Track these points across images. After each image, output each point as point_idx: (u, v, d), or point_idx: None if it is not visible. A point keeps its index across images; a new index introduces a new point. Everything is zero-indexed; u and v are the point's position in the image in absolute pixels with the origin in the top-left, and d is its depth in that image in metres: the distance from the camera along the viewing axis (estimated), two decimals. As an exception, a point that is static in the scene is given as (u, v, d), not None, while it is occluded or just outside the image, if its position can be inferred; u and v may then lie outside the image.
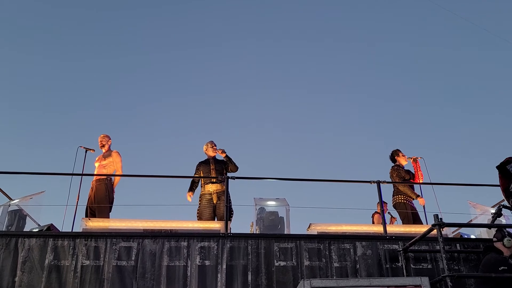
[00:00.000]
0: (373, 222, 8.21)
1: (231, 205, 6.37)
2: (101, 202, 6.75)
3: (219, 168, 7.04)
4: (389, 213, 8.03)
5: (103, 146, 7.27)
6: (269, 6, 22.09)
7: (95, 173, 7.07)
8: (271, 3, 22.12)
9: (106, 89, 22.05)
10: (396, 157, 7.64)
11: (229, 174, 6.90)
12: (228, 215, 5.91)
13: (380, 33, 22.12)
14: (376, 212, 8.19)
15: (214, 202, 6.73)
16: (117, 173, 7.08)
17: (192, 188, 7.08)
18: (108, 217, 6.62)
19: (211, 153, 7.20)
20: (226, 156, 7.05)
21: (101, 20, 21.74)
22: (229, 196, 6.30)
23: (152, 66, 22.18)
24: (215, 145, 7.24)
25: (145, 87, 21.64)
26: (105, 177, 6.92)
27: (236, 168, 7.02)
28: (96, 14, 21.33)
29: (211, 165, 7.08)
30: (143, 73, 21.97)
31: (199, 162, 7.21)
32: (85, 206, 6.79)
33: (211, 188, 6.82)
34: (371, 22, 21.99)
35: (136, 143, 20.51)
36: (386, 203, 7.96)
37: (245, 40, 22.61)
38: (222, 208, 6.56)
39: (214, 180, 6.87)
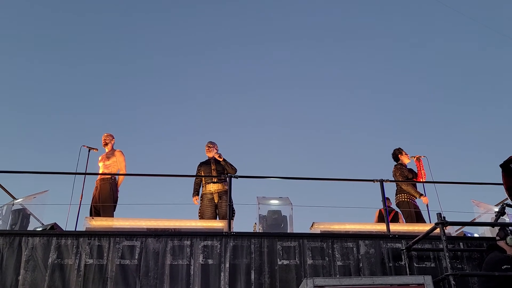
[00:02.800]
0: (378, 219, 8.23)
1: (232, 204, 6.36)
2: (106, 201, 6.76)
3: (220, 169, 7.05)
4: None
5: (106, 144, 7.28)
6: (271, 6, 22.10)
7: (99, 172, 7.09)
8: (274, 2, 22.13)
9: (110, 91, 22.13)
10: (399, 155, 7.63)
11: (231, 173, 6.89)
12: (230, 214, 5.91)
13: (383, 29, 22.10)
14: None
15: (216, 201, 6.74)
16: (120, 173, 7.09)
17: (196, 191, 7.09)
18: (112, 216, 6.63)
19: (210, 153, 7.21)
20: (224, 160, 7.04)
21: (103, 24, 21.80)
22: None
23: (156, 68, 22.24)
24: (212, 146, 7.25)
25: (148, 89, 21.69)
26: (109, 176, 6.93)
27: (234, 171, 6.98)
28: (98, 19, 21.39)
29: (212, 165, 7.10)
30: (146, 75, 22.03)
31: (200, 163, 7.23)
32: (90, 206, 6.81)
33: (213, 187, 6.84)
34: (374, 19, 21.96)
35: (140, 143, 20.57)
36: (389, 198, 7.98)
37: (246, 40, 22.63)
38: (224, 207, 6.57)
39: (215, 180, 6.89)
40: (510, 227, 4.92)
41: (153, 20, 21.90)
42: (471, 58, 21.63)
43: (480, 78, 21.42)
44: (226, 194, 6.62)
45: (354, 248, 5.41)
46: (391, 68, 22.41)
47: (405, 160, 7.58)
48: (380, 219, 7.96)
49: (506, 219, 5.98)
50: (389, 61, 22.25)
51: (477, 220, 6.74)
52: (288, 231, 5.90)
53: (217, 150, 7.29)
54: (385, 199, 6.11)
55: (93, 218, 6.14)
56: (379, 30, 21.98)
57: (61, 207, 6.26)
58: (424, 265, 5.39)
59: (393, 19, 22.22)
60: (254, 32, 22.68)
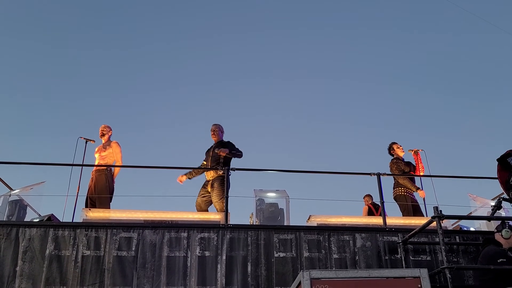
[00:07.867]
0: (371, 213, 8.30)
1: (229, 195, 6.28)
2: (102, 192, 6.74)
3: (215, 155, 6.87)
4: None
5: (103, 135, 7.23)
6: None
7: (95, 163, 7.07)
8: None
9: (108, 80, 22.03)
10: (391, 150, 7.65)
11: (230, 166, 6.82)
12: (227, 206, 5.88)
13: (384, 21, 22.01)
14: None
15: (209, 190, 6.68)
16: (117, 164, 7.07)
17: (189, 172, 6.94)
18: (108, 207, 6.62)
19: (215, 137, 7.11)
20: (230, 153, 6.82)
21: (105, 10, 21.65)
22: (224, 187, 6.29)
23: (149, 57, 22.14)
24: (215, 129, 7.14)
25: (148, 78, 21.61)
26: (105, 167, 6.91)
27: (240, 156, 6.87)
28: (98, 5, 21.24)
29: (211, 151, 6.98)
30: (148, 63, 21.94)
31: (207, 149, 7.13)
32: (85, 197, 6.80)
33: (207, 175, 6.80)
34: (376, 10, 21.88)
35: (137, 134, 20.52)
36: (371, 196, 8.35)
37: (245, 32, 22.52)
38: (214, 197, 6.53)
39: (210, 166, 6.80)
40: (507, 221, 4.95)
41: (157, 7, 21.78)
42: (471, 53, 21.61)
43: (479, 72, 21.41)
44: (217, 181, 6.58)
45: (350, 241, 5.43)
46: (391, 62, 22.39)
47: (399, 153, 7.57)
48: (369, 215, 8.13)
49: (502, 213, 6.00)
50: (390, 54, 22.22)
51: (473, 214, 6.77)
52: (285, 224, 5.91)
53: (219, 132, 7.10)
54: (381, 193, 6.09)
55: (90, 209, 6.13)
56: (381, 22, 21.92)
57: (58, 198, 6.26)
58: (420, 258, 5.41)
59: (395, 11, 22.15)
60: (255, 20, 22.58)
